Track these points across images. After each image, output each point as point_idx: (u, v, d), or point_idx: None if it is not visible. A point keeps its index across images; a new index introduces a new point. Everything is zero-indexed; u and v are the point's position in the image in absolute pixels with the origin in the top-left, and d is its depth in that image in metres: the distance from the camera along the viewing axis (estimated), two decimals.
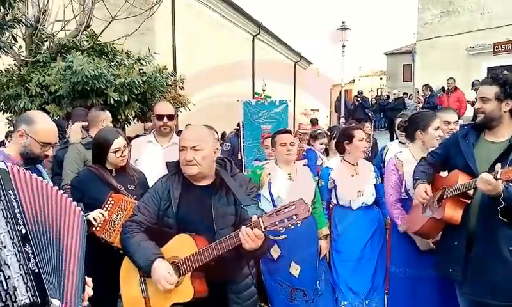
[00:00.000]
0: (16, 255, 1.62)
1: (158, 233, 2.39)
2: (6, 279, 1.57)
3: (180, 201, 2.39)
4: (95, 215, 2.84)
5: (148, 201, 2.46)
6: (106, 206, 2.88)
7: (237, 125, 7.24)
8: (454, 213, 2.62)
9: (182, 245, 2.27)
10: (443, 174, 3.02)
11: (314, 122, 13.72)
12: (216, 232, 2.33)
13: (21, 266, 1.63)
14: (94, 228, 2.85)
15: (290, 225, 2.06)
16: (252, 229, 2.10)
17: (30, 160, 2.52)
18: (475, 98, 2.75)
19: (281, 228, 2.08)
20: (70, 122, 5.65)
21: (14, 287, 1.58)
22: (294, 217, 2.04)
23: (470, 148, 2.69)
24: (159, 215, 2.43)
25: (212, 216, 2.36)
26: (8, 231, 1.62)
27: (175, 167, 2.51)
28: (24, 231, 1.68)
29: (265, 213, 2.21)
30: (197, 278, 2.26)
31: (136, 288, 2.36)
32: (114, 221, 2.86)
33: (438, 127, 3.35)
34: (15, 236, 1.63)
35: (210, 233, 2.32)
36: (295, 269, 3.42)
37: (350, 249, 3.59)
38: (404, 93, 17.46)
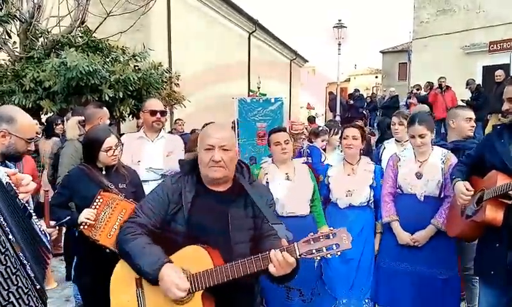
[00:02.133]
0: (21, 271, 1.56)
1: (162, 239, 2.10)
2: (17, 299, 1.53)
3: (193, 206, 2.09)
4: (86, 215, 2.81)
5: (154, 202, 2.14)
6: (95, 204, 2.84)
7: (232, 123, 7.25)
8: (495, 214, 2.55)
9: (195, 259, 1.99)
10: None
11: (312, 120, 13.74)
12: (231, 247, 2.06)
13: (26, 280, 1.58)
14: (82, 227, 2.82)
15: (328, 255, 1.87)
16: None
17: (12, 159, 2.40)
18: (508, 99, 2.68)
19: (317, 257, 1.89)
20: (64, 119, 5.64)
21: (27, 304, 1.55)
22: (335, 247, 1.86)
23: (506, 147, 2.64)
24: (165, 219, 2.12)
25: (228, 228, 2.07)
26: (8, 248, 1.52)
27: (188, 166, 2.20)
28: (13, 239, 1.58)
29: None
30: (208, 298, 2.00)
31: (130, 300, 2.06)
32: (101, 220, 2.81)
33: (413, 136, 3.36)
34: (14, 253, 1.55)
35: (225, 246, 2.04)
36: None
37: None
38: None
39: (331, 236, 1.87)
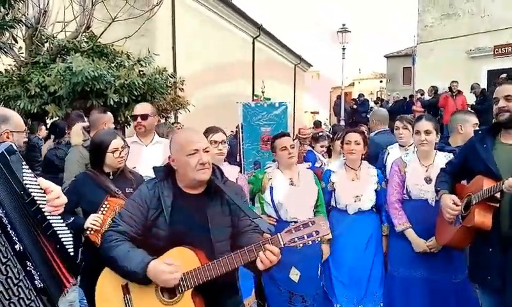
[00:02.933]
0: (23, 282, 1.55)
1: (145, 245, 2.16)
2: None
3: (173, 210, 2.18)
4: (92, 221, 2.80)
5: (133, 210, 2.19)
6: (102, 209, 2.83)
7: (236, 127, 7.23)
8: (484, 218, 2.56)
9: (182, 260, 2.07)
10: (463, 182, 2.98)
11: (318, 124, 13.72)
12: (213, 245, 2.16)
13: (30, 291, 1.56)
14: (88, 232, 2.80)
15: (309, 242, 2.03)
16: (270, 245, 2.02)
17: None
18: (495, 99, 2.70)
19: (300, 245, 2.03)
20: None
21: None
22: (314, 234, 2.02)
23: (489, 151, 2.65)
24: (146, 225, 2.18)
25: (208, 228, 2.18)
26: (10, 259, 1.51)
27: (163, 173, 2.29)
28: (21, 248, 1.56)
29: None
30: (197, 296, 2.10)
31: None
32: (108, 225, 2.75)
33: (418, 131, 3.33)
34: (17, 263, 1.53)
35: (207, 246, 2.15)
36: (295, 274, 3.38)
37: (344, 253, 3.57)
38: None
39: (311, 225, 2.04)
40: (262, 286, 3.53)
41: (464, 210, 2.74)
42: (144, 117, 3.85)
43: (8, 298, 1.51)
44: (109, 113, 4.23)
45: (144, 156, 3.75)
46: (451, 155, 3.40)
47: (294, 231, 2.03)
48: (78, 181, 3.07)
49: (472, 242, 2.81)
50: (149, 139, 3.88)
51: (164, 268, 2.00)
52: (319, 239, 2.04)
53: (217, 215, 2.23)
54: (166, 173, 2.29)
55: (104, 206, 2.83)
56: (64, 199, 1.78)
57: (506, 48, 15.08)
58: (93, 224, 2.79)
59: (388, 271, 3.50)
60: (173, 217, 2.17)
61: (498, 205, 2.55)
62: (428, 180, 3.31)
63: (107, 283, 2.15)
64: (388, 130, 5.29)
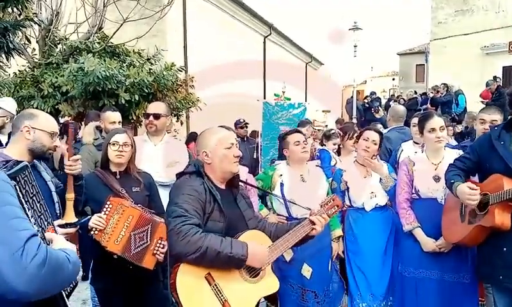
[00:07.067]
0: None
1: None
2: None
3: (222, 201, 2.31)
4: (94, 221, 2.80)
5: (195, 203, 2.21)
6: (104, 209, 2.83)
7: (242, 122, 7.28)
8: (504, 219, 2.53)
9: (257, 240, 2.29)
10: (475, 179, 2.93)
11: (341, 122, 13.67)
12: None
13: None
14: (92, 232, 2.81)
15: (333, 214, 2.61)
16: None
17: (41, 155, 2.48)
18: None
19: (330, 218, 2.58)
20: (81, 124, 5.74)
21: None
22: (336, 207, 2.58)
23: (508, 149, 2.60)
24: (203, 219, 2.24)
25: (244, 218, 2.40)
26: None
27: (200, 169, 2.37)
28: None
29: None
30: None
31: (208, 297, 2.13)
32: (110, 225, 2.80)
33: (434, 129, 3.25)
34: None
35: None
36: (307, 270, 3.38)
37: (367, 251, 3.54)
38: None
39: (332, 201, 2.60)
40: None
41: (479, 209, 2.67)
42: (157, 116, 3.83)
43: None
44: (108, 112, 4.22)
45: (149, 154, 3.73)
46: (460, 152, 3.33)
47: (326, 206, 2.55)
48: (86, 181, 3.07)
49: (483, 241, 2.76)
50: (159, 139, 3.85)
51: (264, 250, 2.24)
52: (337, 212, 2.70)
53: (244, 206, 2.48)
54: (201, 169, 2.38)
55: (106, 206, 2.83)
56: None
57: None
58: (96, 225, 2.79)
59: (399, 271, 3.45)
60: (224, 208, 2.30)
61: None
62: (437, 179, 3.25)
63: (189, 279, 2.14)
64: (401, 127, 5.22)
